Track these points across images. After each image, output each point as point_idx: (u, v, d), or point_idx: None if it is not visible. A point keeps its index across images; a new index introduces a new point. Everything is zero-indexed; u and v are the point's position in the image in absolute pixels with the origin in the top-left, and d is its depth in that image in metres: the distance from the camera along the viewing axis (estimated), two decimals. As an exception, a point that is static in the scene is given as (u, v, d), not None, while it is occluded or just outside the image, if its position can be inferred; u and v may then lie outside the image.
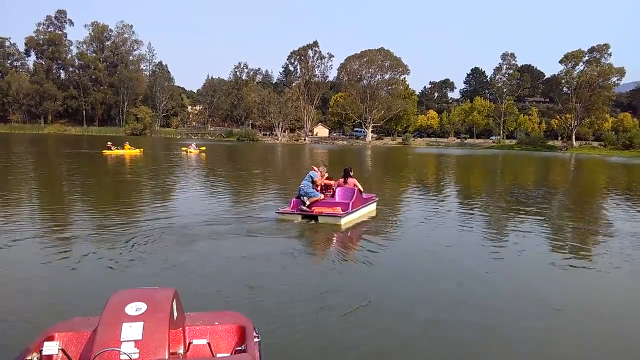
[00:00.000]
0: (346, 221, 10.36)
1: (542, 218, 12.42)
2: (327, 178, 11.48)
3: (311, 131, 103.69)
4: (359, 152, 56.28)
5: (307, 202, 10.57)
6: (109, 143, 37.35)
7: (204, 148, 43.52)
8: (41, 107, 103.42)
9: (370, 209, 11.97)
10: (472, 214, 12.97)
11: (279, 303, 5.45)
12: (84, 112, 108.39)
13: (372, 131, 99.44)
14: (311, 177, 10.89)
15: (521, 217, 12.27)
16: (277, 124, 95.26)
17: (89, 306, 4.97)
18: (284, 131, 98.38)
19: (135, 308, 2.74)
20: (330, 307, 5.39)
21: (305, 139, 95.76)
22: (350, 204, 10.66)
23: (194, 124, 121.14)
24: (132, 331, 2.63)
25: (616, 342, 4.80)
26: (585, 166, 42.90)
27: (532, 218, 12.21)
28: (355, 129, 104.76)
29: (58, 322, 3.06)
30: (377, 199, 12.62)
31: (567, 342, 4.75)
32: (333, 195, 11.23)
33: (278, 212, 10.77)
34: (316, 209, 10.48)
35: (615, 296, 6.32)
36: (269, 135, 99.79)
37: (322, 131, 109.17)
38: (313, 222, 10.23)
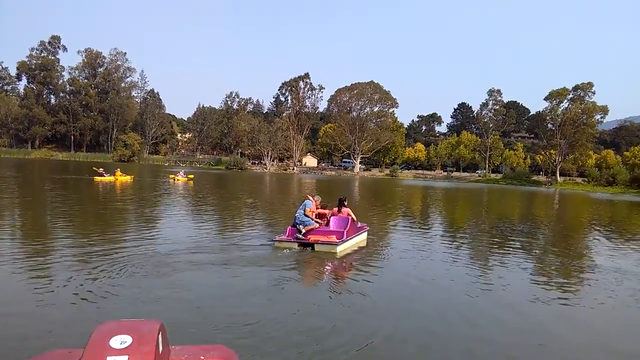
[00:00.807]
0: (341, 249, 10.64)
1: (527, 252, 12.53)
2: (322, 207, 11.84)
3: (300, 161, 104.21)
4: (348, 183, 56.50)
5: (303, 230, 10.84)
6: (100, 169, 37.06)
7: (192, 176, 43.39)
8: (29, 131, 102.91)
9: (362, 238, 12.21)
10: (458, 246, 13.05)
11: (271, 338, 5.38)
12: (72, 137, 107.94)
13: (360, 162, 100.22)
14: (305, 207, 11.16)
15: (506, 251, 12.36)
16: (266, 153, 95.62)
17: (69, 338, 4.91)
18: (273, 160, 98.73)
19: (120, 341, 2.66)
20: (327, 345, 5.34)
21: (293, 169, 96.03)
22: (345, 232, 10.94)
23: (183, 151, 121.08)
24: None
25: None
26: (569, 201, 43.47)
27: (516, 252, 12.31)
28: (343, 160, 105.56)
29: (37, 355, 2.98)
30: (368, 228, 12.84)
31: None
32: (327, 224, 11.50)
33: (275, 240, 10.92)
34: (312, 237, 10.73)
35: (599, 331, 6.37)
36: (258, 164, 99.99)
37: (310, 161, 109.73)
38: (310, 249, 10.46)
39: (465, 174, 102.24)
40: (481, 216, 23.96)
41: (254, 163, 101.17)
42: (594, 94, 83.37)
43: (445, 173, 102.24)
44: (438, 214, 24.63)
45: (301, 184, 50.37)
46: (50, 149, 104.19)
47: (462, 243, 13.89)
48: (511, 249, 12.73)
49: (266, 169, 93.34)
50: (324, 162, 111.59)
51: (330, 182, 56.61)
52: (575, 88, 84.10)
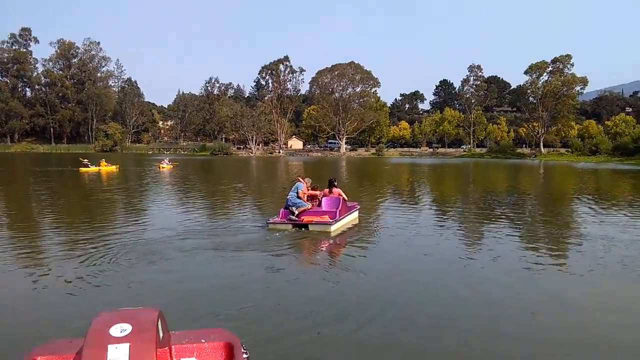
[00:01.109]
0: (335, 228, 10.81)
1: (515, 224, 12.65)
2: (313, 188, 11.99)
3: (285, 144, 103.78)
4: (334, 164, 56.50)
5: (296, 212, 10.98)
6: (85, 160, 36.74)
7: (177, 163, 43.10)
8: (7, 125, 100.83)
9: (353, 217, 12.37)
10: (447, 220, 13.15)
11: (272, 322, 5.30)
12: (51, 129, 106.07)
13: (346, 142, 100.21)
14: (297, 188, 11.31)
15: (495, 223, 12.46)
16: (250, 138, 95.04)
17: (66, 328, 4.82)
18: (258, 144, 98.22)
19: (120, 329, 2.65)
20: (328, 326, 5.27)
21: (279, 152, 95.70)
22: (337, 212, 11.14)
23: (166, 139, 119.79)
24: (118, 353, 2.54)
25: (591, 343, 4.91)
26: (554, 172, 44.04)
27: (505, 224, 12.41)
28: (329, 141, 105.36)
29: (37, 346, 2.94)
30: (359, 207, 13.00)
31: (542, 345, 4.79)
32: (319, 205, 11.66)
33: (269, 223, 10.98)
34: (305, 218, 10.90)
35: (589, 298, 6.43)
36: (243, 148, 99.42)
37: (296, 143, 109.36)
38: (304, 230, 10.61)
39: (451, 149, 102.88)
40: (468, 190, 24.14)
41: (239, 148, 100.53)
42: (573, 65, 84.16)
43: (431, 150, 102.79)
44: (426, 189, 24.75)
45: (288, 166, 50.25)
46: (30, 142, 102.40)
47: (451, 217, 13.99)
48: (499, 221, 12.84)
49: (252, 153, 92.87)
50: (309, 144, 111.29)
51: (317, 163, 56.57)
52: (554, 61, 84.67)
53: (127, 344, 2.58)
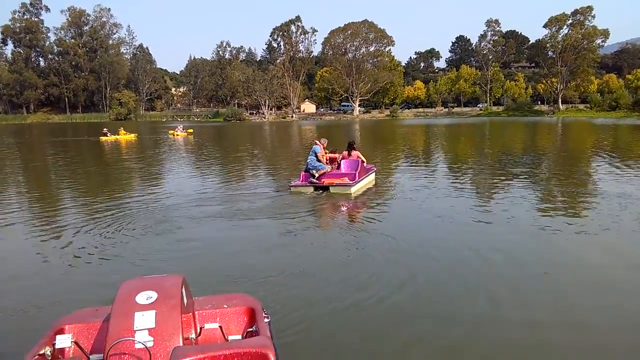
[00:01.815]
0: (355, 190, 11.16)
1: (531, 183, 12.57)
2: (332, 151, 12.40)
3: (298, 108, 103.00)
4: (348, 127, 56.12)
5: (316, 175, 11.35)
6: (104, 129, 37.45)
7: (191, 130, 43.23)
8: (22, 96, 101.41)
9: (371, 178, 12.72)
10: (463, 181, 13.14)
11: (296, 290, 5.31)
12: (66, 99, 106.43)
13: (359, 105, 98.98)
14: (315, 152, 11.56)
15: (510, 183, 12.40)
16: (263, 102, 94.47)
17: (87, 297, 5.00)
18: (271, 109, 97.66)
19: (145, 297, 2.74)
20: (357, 288, 5.33)
21: (292, 116, 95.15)
22: (357, 173, 11.48)
23: (179, 106, 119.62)
24: (144, 320, 2.64)
25: (603, 301, 4.94)
26: (571, 129, 43.21)
27: (521, 184, 12.35)
28: (342, 104, 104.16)
29: (66, 315, 3.06)
30: (375, 169, 13.35)
31: (554, 305, 4.85)
32: (339, 167, 12.00)
33: (291, 186, 11.43)
34: (326, 180, 11.30)
35: (604, 258, 6.44)
36: (256, 114, 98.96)
37: (309, 107, 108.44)
38: (325, 192, 10.97)
39: (467, 108, 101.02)
40: (484, 150, 23.90)
41: (252, 113, 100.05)
42: (594, 17, 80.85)
43: (446, 109, 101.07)
44: (441, 150, 24.58)
45: (301, 131, 50.10)
46: (46, 113, 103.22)
47: (466, 177, 13.97)
48: (515, 181, 12.77)
49: (265, 118, 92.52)
50: (322, 108, 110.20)
51: (330, 127, 56.25)
52: (575, 13, 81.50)
53: (153, 311, 2.67)
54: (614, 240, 7.17)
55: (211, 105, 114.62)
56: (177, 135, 39.31)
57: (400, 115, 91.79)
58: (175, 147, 28.66)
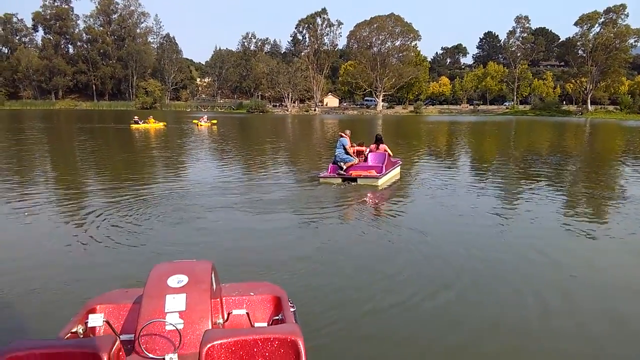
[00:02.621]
0: (382, 182, 11.51)
1: (557, 185, 12.40)
2: (359, 144, 12.68)
3: (321, 101, 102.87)
4: (371, 122, 55.88)
5: (344, 167, 11.73)
6: (136, 117, 38.50)
7: (215, 121, 43.63)
8: (51, 82, 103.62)
9: (397, 172, 13.07)
10: (487, 179, 13.06)
11: (324, 281, 5.38)
12: (93, 86, 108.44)
13: (383, 100, 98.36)
14: (342, 144, 11.90)
15: (536, 184, 12.24)
16: (286, 95, 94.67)
17: (113, 281, 5.15)
18: (294, 102, 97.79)
19: (177, 280, 2.82)
20: (394, 286, 5.35)
21: (315, 110, 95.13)
22: (383, 166, 11.83)
23: (204, 96, 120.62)
24: (175, 303, 2.72)
25: (628, 305, 4.89)
26: (600, 131, 42.24)
27: (546, 185, 12.18)
28: (365, 98, 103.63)
29: (98, 295, 3.17)
30: (401, 162, 13.70)
31: (581, 308, 4.83)
32: (366, 160, 12.36)
33: (320, 177, 11.87)
34: (354, 172, 11.61)
35: (630, 262, 6.35)
36: (279, 106, 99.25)
37: (332, 101, 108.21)
38: (352, 183, 11.32)
39: (493, 106, 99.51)
40: (510, 149, 23.57)
41: (275, 105, 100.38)
42: (627, 16, 78.63)
43: (472, 107, 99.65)
44: (465, 148, 24.34)
45: (324, 124, 50.09)
46: (73, 99, 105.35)
47: (490, 176, 13.84)
48: (541, 182, 12.59)
49: (287, 111, 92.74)
50: (345, 102, 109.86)
51: (353, 121, 56.06)
52: (607, 11, 79.37)
53: (184, 294, 2.76)
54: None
55: (235, 96, 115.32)
56: (201, 125, 39.70)
57: (424, 112, 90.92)
58: (201, 137, 29.01)
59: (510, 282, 5.45)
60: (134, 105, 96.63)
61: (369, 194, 10.56)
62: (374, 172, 11.56)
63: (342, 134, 12.28)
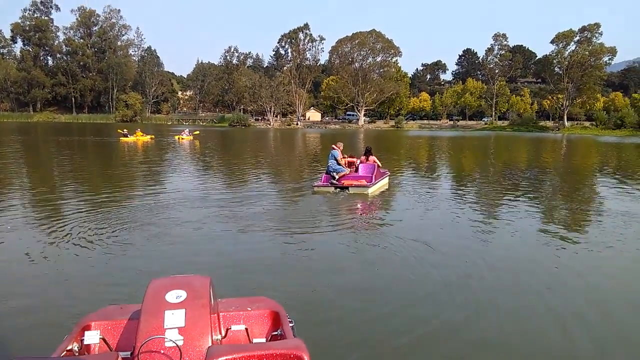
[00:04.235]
0: (372, 191, 12.29)
1: (535, 199, 12.57)
2: (350, 156, 13.64)
3: (303, 115, 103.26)
4: (352, 136, 56.16)
5: (337, 177, 12.55)
6: (124, 130, 38.32)
7: (197, 132, 43.35)
8: (29, 94, 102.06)
9: (385, 182, 13.75)
10: (467, 192, 13.22)
11: (318, 295, 5.36)
12: (73, 99, 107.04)
13: (364, 114, 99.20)
14: (334, 156, 12.78)
15: (514, 198, 12.39)
16: (269, 109, 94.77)
17: (102, 297, 5.02)
18: (276, 116, 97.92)
19: (175, 296, 2.75)
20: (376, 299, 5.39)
21: (297, 124, 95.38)
22: (373, 176, 12.68)
23: (185, 109, 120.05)
24: (174, 318, 2.65)
25: (606, 319, 4.94)
26: (576, 146, 43.17)
27: (524, 199, 12.34)
28: (347, 113, 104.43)
29: (92, 312, 3.08)
30: (389, 173, 14.47)
31: (557, 320, 4.84)
32: (357, 170, 13.21)
33: (314, 186, 12.59)
34: (346, 182, 12.43)
35: (607, 275, 6.42)
36: (261, 120, 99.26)
37: (314, 115, 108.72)
38: (344, 192, 12.11)
39: (472, 122, 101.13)
40: (488, 164, 23.90)
41: (257, 119, 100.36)
42: (601, 35, 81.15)
43: (451, 122, 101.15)
44: (445, 162, 24.60)
45: (306, 138, 50.19)
46: (52, 112, 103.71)
47: (471, 189, 14.02)
48: (519, 196, 12.75)
49: (270, 125, 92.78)
50: (327, 116, 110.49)
51: (335, 135, 56.27)
52: (582, 30, 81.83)
53: (183, 310, 2.68)
54: (618, 258, 7.15)
55: (217, 110, 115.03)
56: (183, 139, 39.36)
57: (405, 126, 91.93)
58: (184, 151, 28.76)
59: (490, 290, 5.48)
60: (114, 118, 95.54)
61: (363, 202, 11.32)
62: (364, 182, 12.36)
63: (334, 146, 13.12)
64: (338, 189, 12.24)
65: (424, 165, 22.38)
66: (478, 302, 5.22)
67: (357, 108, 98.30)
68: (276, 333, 3.01)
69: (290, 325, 3.03)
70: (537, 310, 5.05)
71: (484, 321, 4.79)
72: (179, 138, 39.95)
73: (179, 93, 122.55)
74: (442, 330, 4.56)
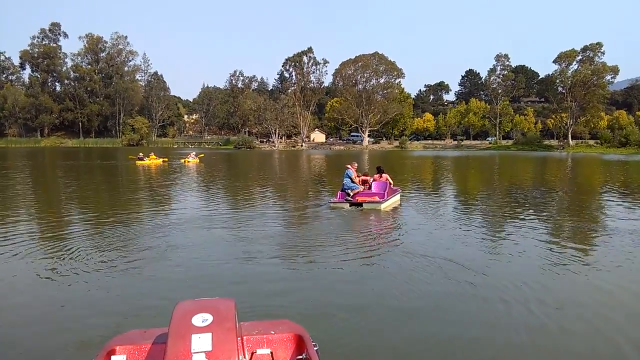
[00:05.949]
0: (384, 206, 13.06)
1: (542, 218, 12.51)
2: (364, 174, 14.59)
3: (308, 137, 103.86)
4: (357, 157, 56.29)
5: (351, 194, 13.35)
6: (140, 154, 39.54)
7: (202, 155, 43.92)
8: (37, 120, 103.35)
9: (397, 198, 14.52)
10: (473, 211, 13.26)
11: (339, 317, 5.31)
12: (80, 124, 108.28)
13: (368, 135, 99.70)
14: (348, 175, 13.58)
15: (520, 217, 12.34)
16: (273, 131, 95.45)
17: (133, 319, 5.04)
18: (281, 138, 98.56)
19: (202, 319, 2.75)
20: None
21: (302, 145, 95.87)
22: (385, 193, 13.48)
23: (191, 133, 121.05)
24: (201, 342, 2.64)
25: (616, 339, 4.90)
26: (582, 165, 43.09)
27: (531, 218, 12.29)
28: (351, 134, 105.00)
29: (116, 336, 3.10)
30: (401, 190, 15.23)
31: (567, 340, 4.82)
32: (370, 188, 13.98)
33: (330, 202, 13.46)
34: (359, 198, 13.20)
35: (617, 294, 6.37)
36: (266, 142, 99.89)
37: (318, 137, 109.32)
38: (359, 208, 12.89)
39: (476, 142, 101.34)
40: (494, 183, 23.87)
41: (262, 141, 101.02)
42: (604, 54, 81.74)
43: (456, 142, 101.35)
44: (451, 182, 24.59)
45: (311, 159, 50.37)
46: (59, 137, 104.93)
47: (477, 209, 14.02)
48: (526, 215, 12.70)
49: (275, 146, 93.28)
50: (332, 137, 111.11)
51: (339, 156, 56.51)
52: (584, 49, 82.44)
53: (210, 334, 2.68)
54: (627, 277, 7.10)
55: (222, 132, 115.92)
56: (189, 162, 39.73)
57: (409, 147, 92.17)
58: (192, 173, 28.98)
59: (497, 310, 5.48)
60: (120, 142, 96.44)
61: (378, 218, 12.04)
62: (377, 198, 13.13)
63: (349, 166, 13.91)
64: (353, 205, 13.00)
65: (432, 184, 22.41)
66: (480, 333, 5.19)
67: (361, 129, 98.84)
68: (301, 357, 2.98)
69: (315, 349, 2.99)
70: (549, 328, 5.03)
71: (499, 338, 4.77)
72: (185, 161, 40.40)
73: (185, 116, 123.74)
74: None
